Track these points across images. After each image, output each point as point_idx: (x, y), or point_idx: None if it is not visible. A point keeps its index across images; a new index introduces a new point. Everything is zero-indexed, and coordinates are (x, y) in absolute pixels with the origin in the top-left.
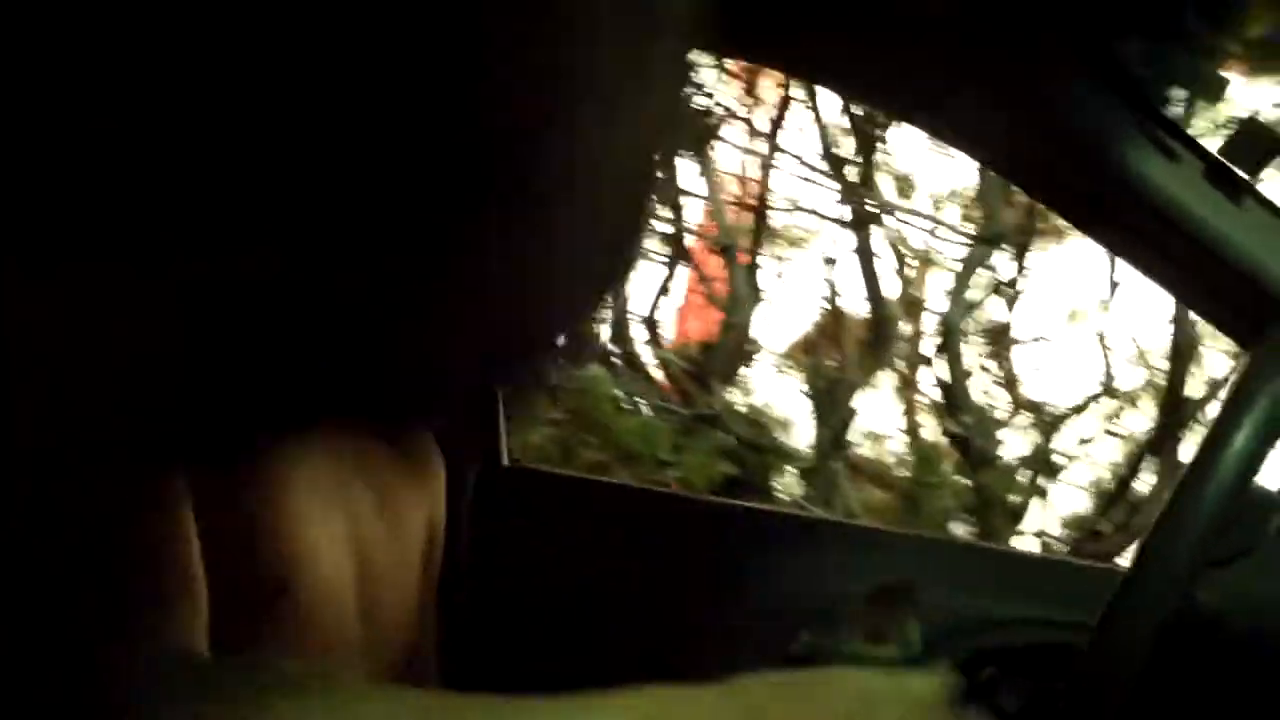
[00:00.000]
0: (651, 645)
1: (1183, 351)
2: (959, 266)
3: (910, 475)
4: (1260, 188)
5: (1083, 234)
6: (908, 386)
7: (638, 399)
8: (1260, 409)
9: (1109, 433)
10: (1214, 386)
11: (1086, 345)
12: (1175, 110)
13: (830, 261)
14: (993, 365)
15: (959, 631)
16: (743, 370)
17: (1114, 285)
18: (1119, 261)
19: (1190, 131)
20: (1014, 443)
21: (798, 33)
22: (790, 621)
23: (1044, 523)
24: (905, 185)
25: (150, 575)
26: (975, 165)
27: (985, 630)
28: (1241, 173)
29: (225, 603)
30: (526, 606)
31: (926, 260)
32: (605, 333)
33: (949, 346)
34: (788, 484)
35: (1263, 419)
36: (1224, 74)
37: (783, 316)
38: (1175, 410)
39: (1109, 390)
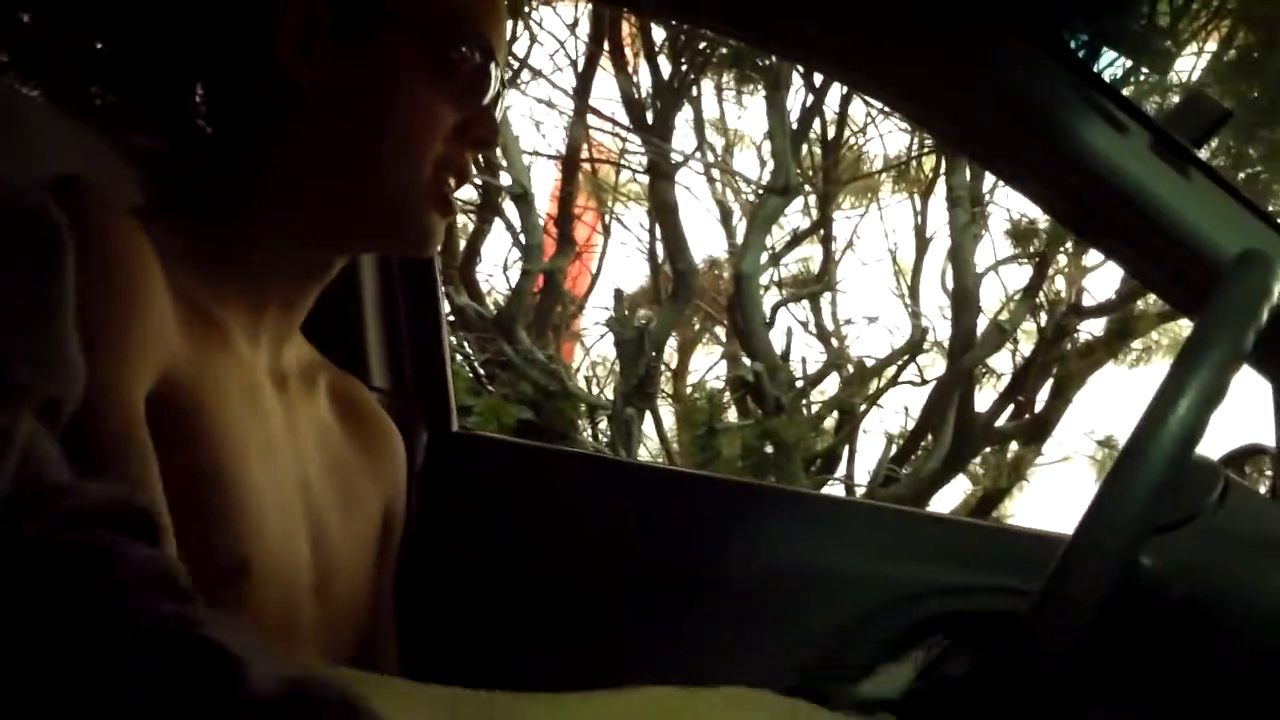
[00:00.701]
0: (600, 611)
1: (967, 303)
2: (768, 218)
3: (704, 420)
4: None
5: (1033, 203)
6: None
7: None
8: (1203, 377)
9: (907, 382)
10: (995, 336)
11: (902, 297)
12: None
13: (650, 215)
14: (809, 317)
15: (906, 599)
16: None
17: (925, 239)
18: (929, 216)
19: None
20: (827, 392)
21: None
22: (739, 588)
23: (858, 470)
24: (734, 138)
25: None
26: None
27: (932, 597)
28: (1187, 144)
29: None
30: (477, 572)
31: (753, 213)
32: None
33: (742, 295)
34: (603, 429)
35: (1206, 387)
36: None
37: (620, 269)
38: (958, 360)
39: (915, 343)
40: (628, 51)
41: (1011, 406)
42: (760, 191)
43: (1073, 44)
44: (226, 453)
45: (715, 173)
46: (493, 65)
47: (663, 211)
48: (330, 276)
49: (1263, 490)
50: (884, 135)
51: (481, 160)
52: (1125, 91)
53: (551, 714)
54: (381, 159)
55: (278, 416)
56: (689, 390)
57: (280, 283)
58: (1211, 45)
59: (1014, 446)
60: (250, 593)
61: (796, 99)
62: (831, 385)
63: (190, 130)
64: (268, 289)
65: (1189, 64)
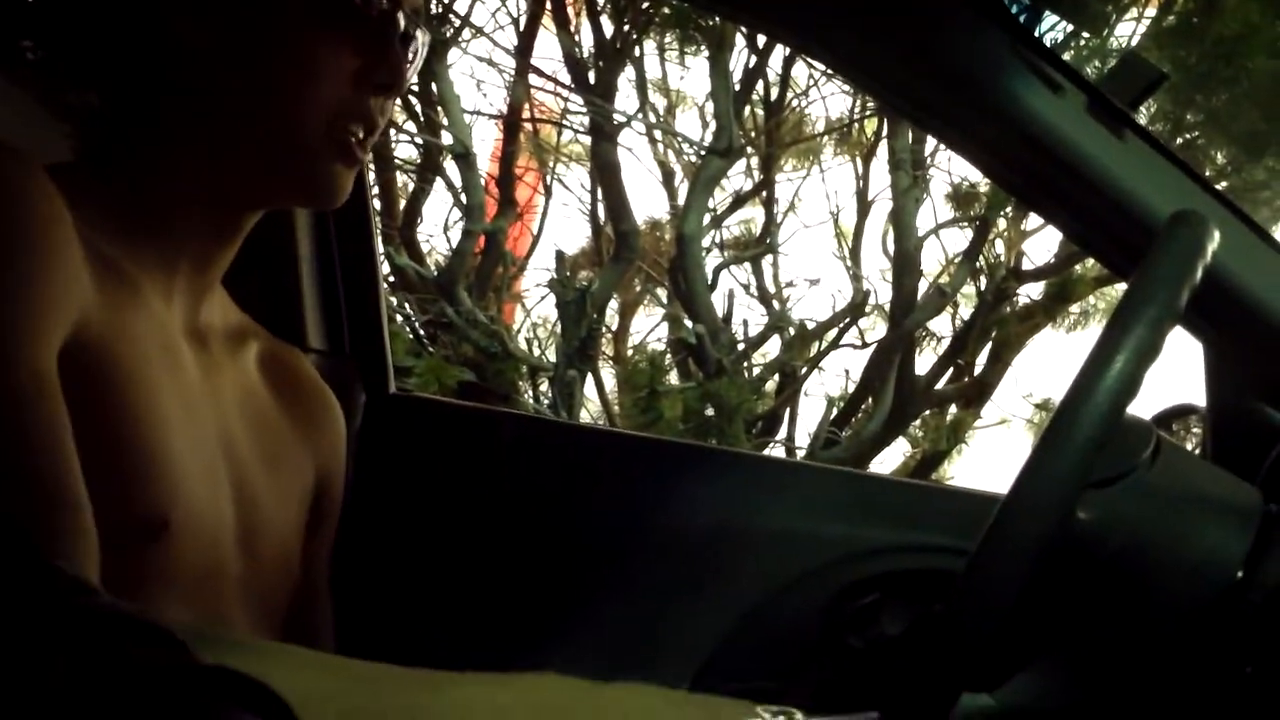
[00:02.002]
0: (541, 573)
1: (908, 266)
2: (710, 179)
3: (645, 382)
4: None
5: (971, 165)
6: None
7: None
8: (1136, 336)
9: (848, 345)
10: (936, 298)
11: (843, 260)
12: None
13: (592, 175)
14: (751, 279)
15: (845, 558)
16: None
17: (866, 202)
18: (871, 179)
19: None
20: (769, 355)
21: None
22: (675, 550)
23: (799, 432)
24: (676, 99)
25: (38, 504)
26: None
27: (869, 557)
28: (1123, 106)
29: (108, 539)
30: (413, 534)
31: (695, 174)
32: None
33: (684, 257)
34: (544, 391)
35: (1140, 345)
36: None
37: (561, 230)
38: (899, 323)
39: (856, 306)
40: (570, 10)
41: (951, 369)
42: (702, 153)
43: (1011, 6)
44: (142, 408)
45: (657, 134)
46: (399, 11)
47: (604, 172)
48: (242, 234)
49: (1191, 448)
50: (826, 98)
51: (422, 119)
52: (1065, 56)
53: (441, 693)
54: (274, 109)
55: (196, 374)
56: (630, 352)
57: (190, 240)
58: (1151, 10)
59: (953, 409)
60: (171, 549)
61: (739, 60)
62: (773, 348)
63: (107, 88)
64: (178, 247)
65: (1129, 29)
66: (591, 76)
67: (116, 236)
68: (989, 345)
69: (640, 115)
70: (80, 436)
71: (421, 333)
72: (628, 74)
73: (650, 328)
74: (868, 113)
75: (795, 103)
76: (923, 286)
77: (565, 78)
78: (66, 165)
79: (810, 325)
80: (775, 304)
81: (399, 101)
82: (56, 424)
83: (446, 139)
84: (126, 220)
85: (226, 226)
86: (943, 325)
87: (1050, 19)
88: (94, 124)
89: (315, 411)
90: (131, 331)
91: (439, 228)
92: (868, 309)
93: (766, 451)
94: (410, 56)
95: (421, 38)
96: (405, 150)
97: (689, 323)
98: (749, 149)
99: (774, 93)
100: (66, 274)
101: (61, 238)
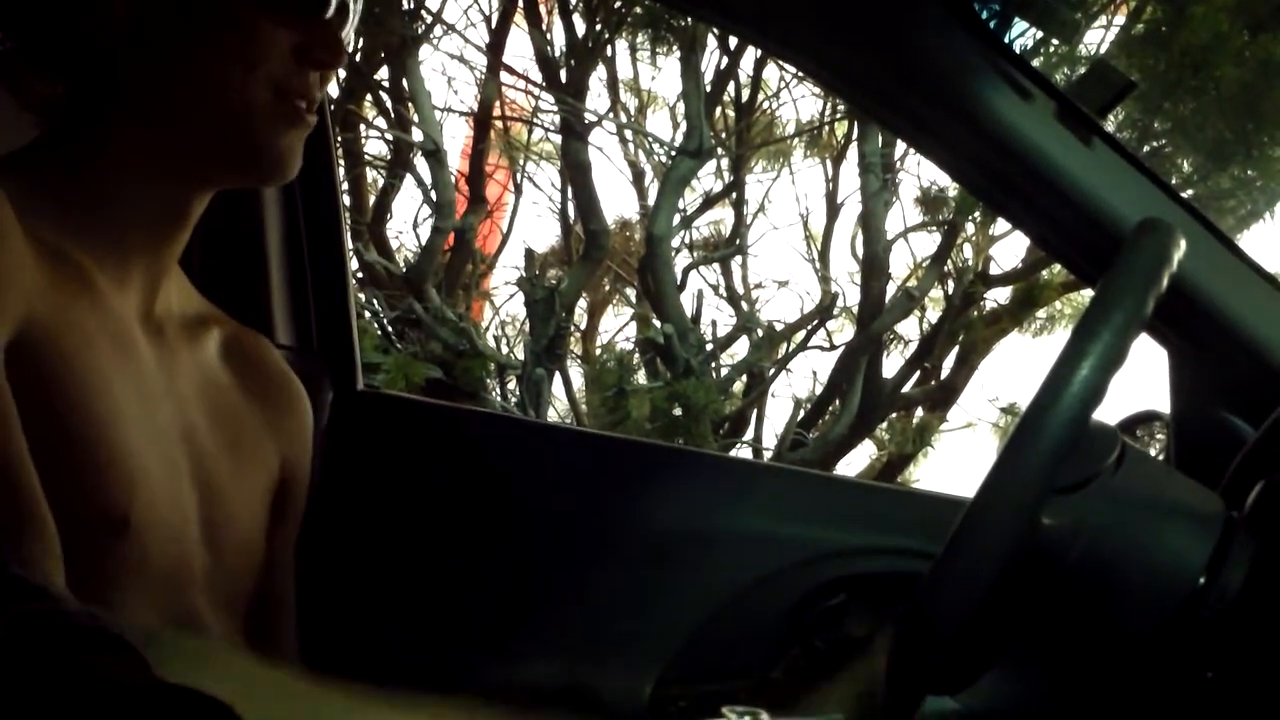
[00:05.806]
0: (505, 571)
1: (876, 269)
2: (680, 180)
3: (614, 382)
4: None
5: (940, 169)
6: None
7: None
8: (1103, 342)
9: (816, 346)
10: (904, 301)
11: (812, 262)
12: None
13: (562, 174)
14: (720, 280)
15: (811, 560)
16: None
17: (836, 205)
18: (840, 182)
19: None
20: (737, 355)
21: None
22: (640, 550)
23: (766, 434)
24: (647, 99)
25: None
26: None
27: (835, 559)
28: (1091, 113)
29: (69, 538)
30: (379, 531)
31: (665, 174)
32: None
33: (653, 257)
34: (512, 389)
35: (1106, 352)
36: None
37: (531, 228)
38: (867, 326)
39: (824, 308)
40: (542, 8)
41: (918, 373)
42: (673, 153)
43: (982, 13)
44: (96, 403)
45: (628, 133)
46: None
47: (575, 171)
48: (193, 216)
49: (1155, 454)
50: (797, 100)
51: (393, 115)
52: (1035, 62)
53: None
54: (208, 86)
55: (151, 365)
56: (598, 351)
57: (141, 226)
58: (1120, 19)
59: (920, 412)
60: (133, 545)
61: (711, 61)
62: (741, 349)
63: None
64: (129, 233)
65: (1098, 36)
66: (563, 75)
67: (67, 227)
68: (956, 349)
69: (611, 115)
70: (34, 434)
71: (390, 329)
72: (599, 73)
73: (619, 327)
74: (838, 116)
75: (766, 105)
76: (891, 289)
77: (537, 76)
78: (11, 157)
79: (778, 327)
80: (744, 305)
81: (369, 97)
82: (4, 419)
83: (417, 135)
84: (75, 208)
85: (175, 207)
86: (910, 328)
87: (1020, 25)
88: (37, 111)
89: (280, 398)
90: (82, 324)
91: (408, 224)
92: (836, 311)
93: (733, 452)
94: (345, 27)
95: (354, 6)
96: (375, 146)
97: (657, 323)
98: (719, 150)
99: (745, 94)
100: (10, 268)
101: (4, 231)
